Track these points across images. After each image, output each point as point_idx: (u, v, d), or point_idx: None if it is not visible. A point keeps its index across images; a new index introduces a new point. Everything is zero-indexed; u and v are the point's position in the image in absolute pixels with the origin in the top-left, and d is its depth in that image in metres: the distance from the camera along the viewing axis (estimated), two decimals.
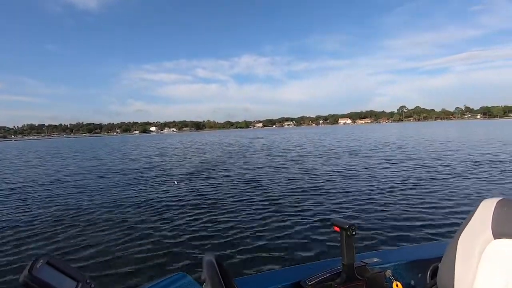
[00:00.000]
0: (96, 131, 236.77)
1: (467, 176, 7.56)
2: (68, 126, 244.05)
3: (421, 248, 1.63)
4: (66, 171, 12.12)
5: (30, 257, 3.78)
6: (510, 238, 0.83)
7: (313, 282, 1.18)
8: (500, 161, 9.55)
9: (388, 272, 1.27)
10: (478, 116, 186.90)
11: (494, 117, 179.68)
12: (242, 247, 3.75)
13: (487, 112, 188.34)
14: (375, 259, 1.34)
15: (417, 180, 7.32)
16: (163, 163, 13.53)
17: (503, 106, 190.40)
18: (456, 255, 0.94)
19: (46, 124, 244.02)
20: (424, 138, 23.29)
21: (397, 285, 1.23)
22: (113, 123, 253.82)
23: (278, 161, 12.16)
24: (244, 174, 9.42)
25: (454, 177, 7.42)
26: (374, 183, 7.10)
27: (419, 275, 1.34)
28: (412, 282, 1.34)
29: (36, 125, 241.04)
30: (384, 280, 1.25)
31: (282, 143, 25.15)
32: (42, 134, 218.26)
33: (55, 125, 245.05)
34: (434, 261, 1.31)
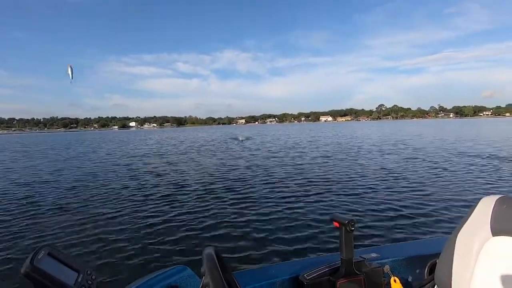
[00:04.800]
0: (72, 126, 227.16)
1: (467, 172, 7.73)
2: (41, 120, 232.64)
3: (419, 244, 1.65)
4: (66, 164, 11.68)
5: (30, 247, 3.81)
6: (509, 236, 0.84)
7: (311, 276, 1.18)
8: (500, 159, 9.78)
9: (386, 268, 1.28)
10: (451, 115, 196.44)
11: (465, 116, 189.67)
12: (242, 241, 3.79)
13: (459, 112, 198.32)
14: (374, 255, 1.36)
15: (416, 176, 7.45)
16: (160, 161, 13.30)
17: (473, 106, 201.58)
18: (454, 252, 0.94)
19: (17, 118, 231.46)
20: (418, 136, 23.57)
21: (395, 281, 1.24)
22: (90, 118, 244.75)
23: (277, 158, 12.04)
24: (243, 170, 9.42)
25: (454, 174, 7.58)
26: (373, 180, 7.18)
27: (417, 271, 1.36)
28: (410, 278, 1.36)
29: (6, 119, 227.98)
30: (382, 275, 1.27)
31: (278, 141, 25.16)
32: (13, 129, 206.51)
33: (27, 119, 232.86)
34: (432, 257, 1.33)
